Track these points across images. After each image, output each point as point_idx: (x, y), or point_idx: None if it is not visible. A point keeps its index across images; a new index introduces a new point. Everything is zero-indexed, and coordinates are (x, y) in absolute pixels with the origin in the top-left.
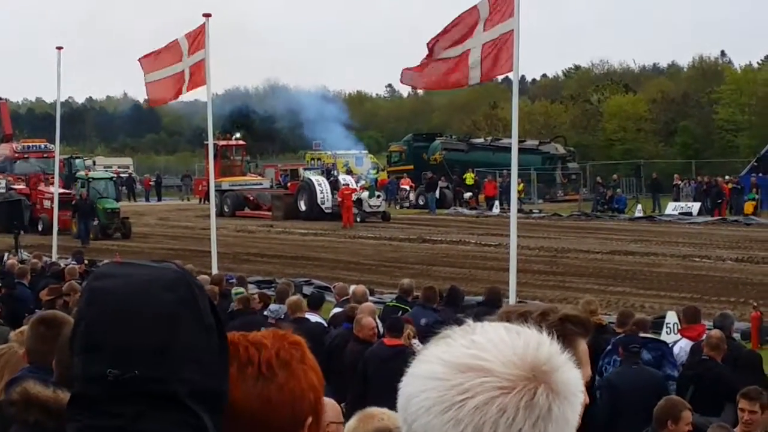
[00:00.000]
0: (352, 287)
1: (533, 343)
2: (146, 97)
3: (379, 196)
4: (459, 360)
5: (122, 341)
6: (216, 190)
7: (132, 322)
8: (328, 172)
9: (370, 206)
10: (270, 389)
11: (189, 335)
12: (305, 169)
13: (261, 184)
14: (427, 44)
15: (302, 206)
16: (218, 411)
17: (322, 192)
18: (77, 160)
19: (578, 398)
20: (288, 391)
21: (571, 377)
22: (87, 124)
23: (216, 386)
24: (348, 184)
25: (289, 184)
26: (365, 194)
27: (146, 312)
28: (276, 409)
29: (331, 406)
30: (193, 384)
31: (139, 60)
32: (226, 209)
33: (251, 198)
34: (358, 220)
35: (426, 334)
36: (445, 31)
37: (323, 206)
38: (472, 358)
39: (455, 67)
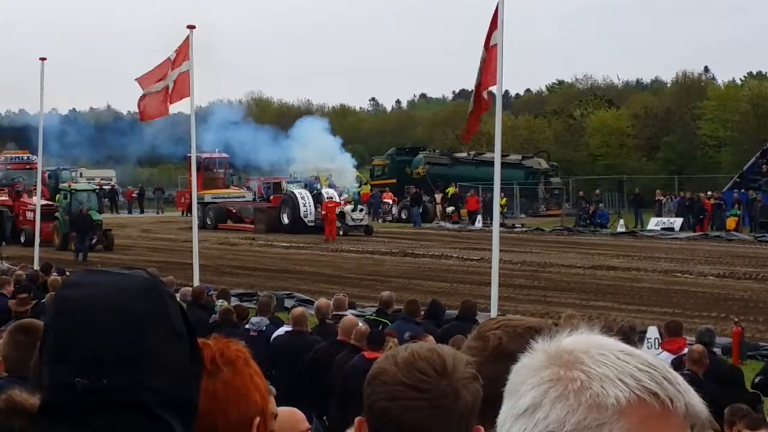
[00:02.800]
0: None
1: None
2: (137, 112)
3: (362, 210)
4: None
5: (91, 350)
6: (198, 203)
7: (101, 330)
8: (311, 186)
9: (353, 220)
10: (215, 385)
11: (159, 344)
12: (288, 182)
13: (244, 197)
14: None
15: (285, 219)
16: (189, 420)
17: (305, 205)
18: (64, 172)
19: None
20: (233, 388)
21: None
22: (70, 135)
23: (187, 395)
24: (332, 198)
25: (271, 197)
26: (348, 208)
27: (115, 320)
28: (222, 406)
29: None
30: (163, 393)
31: (137, 79)
32: (208, 222)
33: (234, 211)
34: (341, 233)
35: None
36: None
37: (306, 219)
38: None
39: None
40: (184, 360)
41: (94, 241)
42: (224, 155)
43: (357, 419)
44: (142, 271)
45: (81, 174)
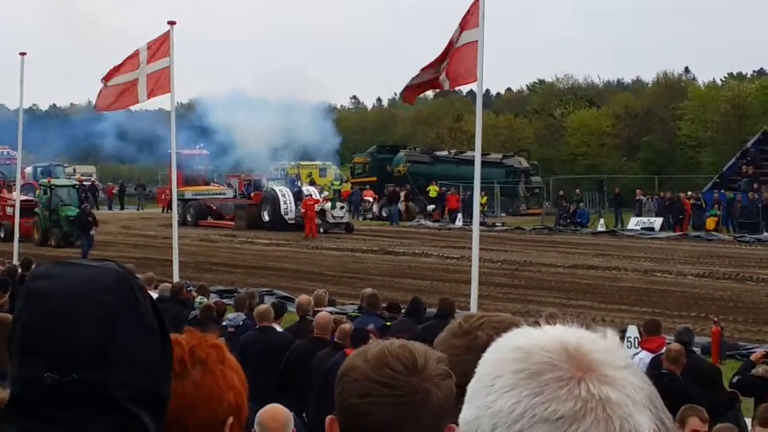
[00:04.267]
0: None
1: (589, 342)
2: (93, 102)
3: (342, 208)
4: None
5: (59, 344)
6: (179, 200)
7: (69, 324)
8: (291, 183)
9: (333, 217)
10: (185, 387)
11: (129, 337)
12: (268, 180)
13: (224, 194)
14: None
15: (266, 217)
16: (160, 414)
17: (285, 203)
18: (57, 168)
19: (597, 411)
20: (205, 390)
21: (606, 391)
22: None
23: (157, 388)
24: (311, 195)
25: (252, 195)
26: (328, 205)
27: (84, 314)
28: (192, 408)
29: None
30: (133, 387)
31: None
32: (189, 218)
33: (214, 207)
34: (322, 231)
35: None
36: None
37: (287, 217)
38: (522, 340)
39: (433, 76)
40: (155, 353)
41: (92, 232)
42: (204, 152)
43: (328, 418)
44: (113, 263)
45: (75, 170)
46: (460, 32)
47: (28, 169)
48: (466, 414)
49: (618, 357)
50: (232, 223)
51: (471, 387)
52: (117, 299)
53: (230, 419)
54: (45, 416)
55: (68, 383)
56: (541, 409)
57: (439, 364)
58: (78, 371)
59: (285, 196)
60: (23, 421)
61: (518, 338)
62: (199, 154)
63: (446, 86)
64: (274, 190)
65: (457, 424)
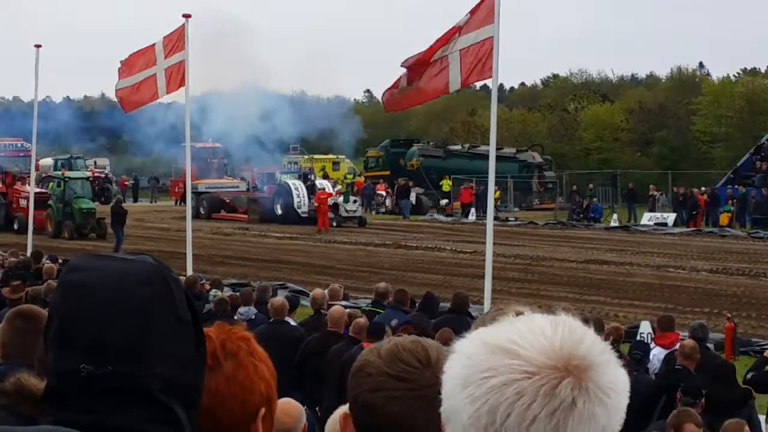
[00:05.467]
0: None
1: (575, 337)
2: (119, 105)
3: (355, 202)
4: (494, 341)
5: (96, 336)
6: (192, 192)
7: (106, 317)
8: (305, 177)
9: (346, 211)
10: (217, 381)
11: (164, 330)
12: (281, 173)
13: (238, 187)
14: (402, 64)
15: (279, 210)
16: (193, 405)
17: (298, 196)
18: (78, 160)
19: (616, 401)
20: (237, 383)
21: (610, 378)
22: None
23: (191, 381)
24: (324, 189)
25: (266, 188)
26: (341, 199)
27: (121, 307)
28: (225, 402)
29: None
30: (168, 379)
31: (118, 69)
32: (202, 211)
33: (227, 201)
34: (335, 224)
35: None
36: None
37: (299, 210)
38: (508, 341)
39: (435, 76)
40: (189, 346)
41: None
42: (218, 145)
43: (342, 414)
44: (148, 256)
45: (95, 163)
46: (474, 29)
47: (49, 161)
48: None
49: (597, 347)
50: (245, 216)
51: (458, 385)
52: (153, 293)
53: (262, 410)
54: (80, 407)
55: (104, 375)
56: (530, 409)
57: None
58: (114, 363)
59: (298, 189)
60: (59, 412)
61: (501, 335)
62: (212, 147)
63: (454, 88)
64: (287, 184)
65: None
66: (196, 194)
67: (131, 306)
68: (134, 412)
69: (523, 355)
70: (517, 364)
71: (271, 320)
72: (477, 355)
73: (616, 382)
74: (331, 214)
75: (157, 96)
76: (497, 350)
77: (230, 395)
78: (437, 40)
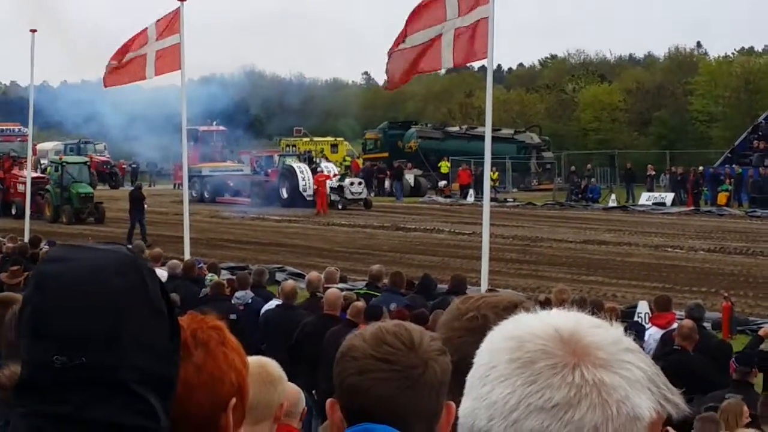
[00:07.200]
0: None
1: (583, 326)
2: (101, 78)
3: (361, 183)
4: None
5: (69, 328)
6: (196, 176)
7: (80, 308)
8: (309, 160)
9: (351, 193)
10: (187, 370)
11: (138, 321)
12: (280, 156)
13: (241, 170)
14: (397, 40)
15: (284, 194)
16: (168, 396)
17: (303, 179)
18: (88, 145)
19: (591, 396)
20: (207, 373)
21: (601, 374)
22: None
23: (166, 372)
24: (322, 171)
25: (270, 171)
26: (347, 181)
27: (94, 298)
28: (194, 391)
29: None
30: (142, 370)
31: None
32: (206, 195)
33: (231, 184)
34: (340, 207)
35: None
36: (411, 20)
37: (305, 194)
38: (516, 329)
39: (425, 52)
40: (164, 337)
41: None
42: (221, 128)
43: (328, 401)
44: (123, 246)
45: (105, 147)
46: (468, 11)
47: (59, 146)
48: (464, 406)
49: (614, 339)
50: (249, 199)
51: (469, 378)
52: (126, 283)
53: (233, 400)
54: (54, 399)
55: (78, 366)
56: (535, 398)
57: (434, 341)
58: (88, 355)
59: (303, 172)
60: (33, 403)
61: (513, 327)
62: (216, 130)
63: (447, 65)
64: (292, 167)
65: (455, 402)
66: (200, 178)
67: (105, 297)
68: (109, 403)
69: (523, 337)
70: (514, 326)
71: (280, 304)
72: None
73: (601, 379)
74: (336, 197)
75: (144, 76)
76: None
77: (199, 384)
78: (423, 11)
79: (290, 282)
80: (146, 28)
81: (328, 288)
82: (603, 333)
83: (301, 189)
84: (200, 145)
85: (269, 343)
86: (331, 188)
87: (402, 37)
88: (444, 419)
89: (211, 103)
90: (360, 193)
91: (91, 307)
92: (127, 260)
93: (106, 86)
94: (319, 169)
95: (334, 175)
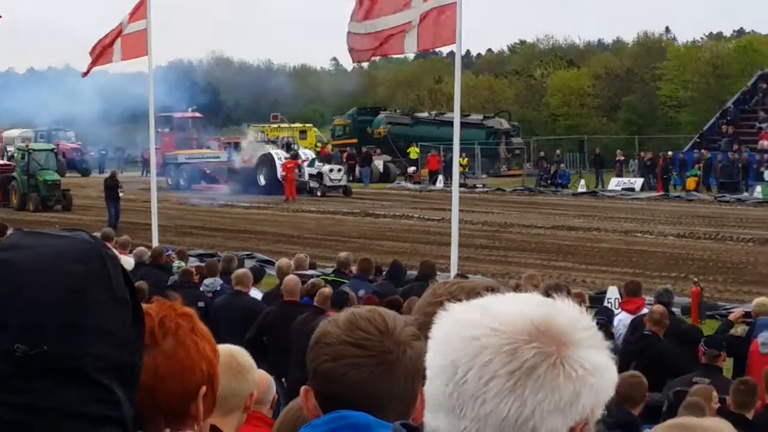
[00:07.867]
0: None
1: (557, 309)
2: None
3: (340, 170)
4: (478, 303)
5: (30, 316)
6: (172, 163)
7: (40, 296)
8: (287, 146)
9: (331, 180)
10: (156, 359)
11: (100, 309)
12: (254, 142)
13: (219, 157)
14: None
15: (261, 180)
16: (131, 384)
17: (281, 166)
18: (59, 132)
19: (586, 379)
20: (176, 361)
21: (585, 356)
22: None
23: (129, 360)
24: (296, 158)
25: (248, 158)
26: (326, 168)
27: (55, 285)
28: (164, 380)
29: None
30: (105, 358)
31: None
32: (181, 183)
33: (208, 171)
34: (319, 194)
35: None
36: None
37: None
38: (488, 302)
39: (390, 38)
40: (126, 324)
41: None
42: (198, 114)
43: (302, 389)
44: (84, 233)
45: (76, 136)
46: None
47: (27, 133)
48: (457, 427)
49: (579, 317)
50: (226, 187)
51: (450, 392)
52: (87, 270)
53: (203, 388)
54: (15, 388)
55: (38, 355)
56: (547, 403)
57: (408, 326)
58: (48, 343)
59: (281, 159)
60: None
61: (487, 300)
62: (192, 117)
63: (410, 50)
64: (270, 154)
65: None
66: (176, 165)
67: (66, 284)
68: (71, 391)
69: (499, 318)
70: (490, 323)
71: (232, 291)
72: (457, 312)
73: (590, 361)
74: (315, 184)
75: (111, 60)
76: (475, 307)
77: (169, 373)
78: None
79: (242, 269)
80: (120, 23)
81: (298, 274)
82: (568, 312)
83: (279, 176)
84: (176, 132)
85: (222, 331)
86: (310, 175)
87: (364, 13)
88: (420, 404)
89: (179, 90)
90: (339, 180)
91: (51, 294)
92: (88, 246)
93: (83, 76)
94: (295, 156)
95: (303, 161)
